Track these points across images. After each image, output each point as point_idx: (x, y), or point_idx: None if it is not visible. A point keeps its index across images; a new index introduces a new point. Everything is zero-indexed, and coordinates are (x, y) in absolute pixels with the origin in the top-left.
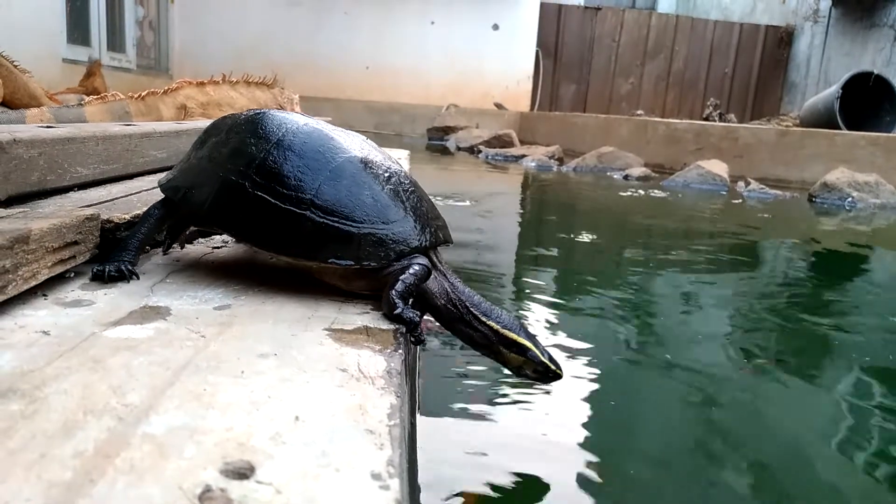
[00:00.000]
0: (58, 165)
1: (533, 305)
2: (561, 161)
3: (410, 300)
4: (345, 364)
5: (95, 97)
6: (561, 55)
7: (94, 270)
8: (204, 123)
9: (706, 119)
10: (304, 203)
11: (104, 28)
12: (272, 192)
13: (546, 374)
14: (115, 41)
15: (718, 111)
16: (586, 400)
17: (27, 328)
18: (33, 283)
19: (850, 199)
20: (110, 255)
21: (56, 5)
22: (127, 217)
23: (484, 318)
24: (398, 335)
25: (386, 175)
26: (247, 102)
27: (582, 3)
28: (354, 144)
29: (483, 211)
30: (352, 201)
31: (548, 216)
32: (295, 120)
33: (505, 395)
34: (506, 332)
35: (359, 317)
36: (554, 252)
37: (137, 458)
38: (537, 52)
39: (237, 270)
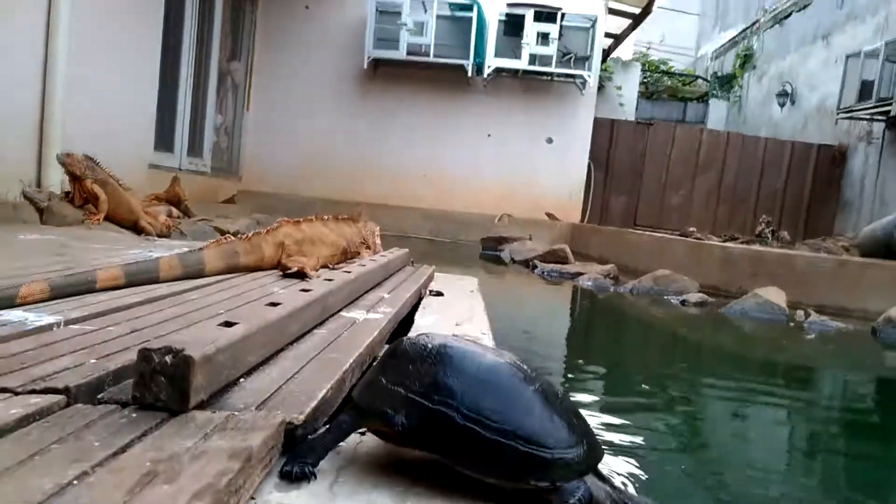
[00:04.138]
0: (237, 360)
1: None
2: (616, 280)
3: None
4: None
5: (212, 241)
6: (613, 167)
7: (283, 470)
8: (300, 295)
9: (758, 235)
10: (509, 434)
11: (186, 136)
12: (480, 424)
13: None
14: (195, 147)
15: (771, 228)
16: None
17: None
18: (251, 491)
19: None
20: (296, 452)
21: (148, 120)
22: (302, 418)
23: None
24: None
25: (558, 399)
26: (336, 238)
27: (633, 119)
28: (528, 372)
29: (545, 328)
30: (545, 429)
31: (607, 338)
32: (480, 352)
33: None
34: None
35: None
36: (607, 372)
37: None
38: (589, 164)
39: (394, 468)
